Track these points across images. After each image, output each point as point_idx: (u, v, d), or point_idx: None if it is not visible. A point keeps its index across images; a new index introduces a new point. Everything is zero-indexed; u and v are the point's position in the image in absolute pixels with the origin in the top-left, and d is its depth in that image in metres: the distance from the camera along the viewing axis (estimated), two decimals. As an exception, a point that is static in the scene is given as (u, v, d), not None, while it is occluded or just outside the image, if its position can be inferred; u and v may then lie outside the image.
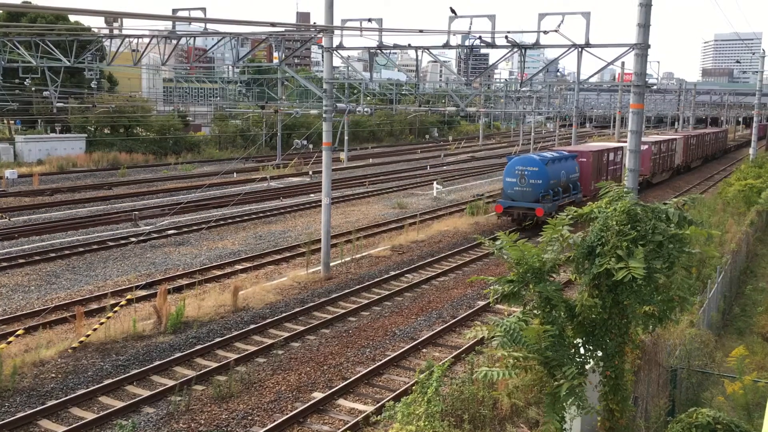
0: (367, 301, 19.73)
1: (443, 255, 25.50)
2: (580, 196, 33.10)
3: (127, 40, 28.12)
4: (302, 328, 17.33)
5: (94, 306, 18.51)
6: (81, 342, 15.57)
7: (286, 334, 16.84)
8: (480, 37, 21.86)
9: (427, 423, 8.14)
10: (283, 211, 34.27)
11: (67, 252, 24.44)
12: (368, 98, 75.98)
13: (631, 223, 8.09)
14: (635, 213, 8.19)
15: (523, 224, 29.46)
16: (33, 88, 46.87)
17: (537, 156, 31.27)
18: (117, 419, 12.20)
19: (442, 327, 17.65)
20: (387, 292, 20.67)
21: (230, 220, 31.15)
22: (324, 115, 22.38)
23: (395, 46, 24.41)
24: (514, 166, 30.50)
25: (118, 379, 14.02)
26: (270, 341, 16.34)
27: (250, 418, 12.78)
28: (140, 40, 27.81)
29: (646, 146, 40.75)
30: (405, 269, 23.35)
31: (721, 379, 11.70)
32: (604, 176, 35.80)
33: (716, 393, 11.57)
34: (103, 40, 36.20)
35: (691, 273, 8.72)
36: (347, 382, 14.15)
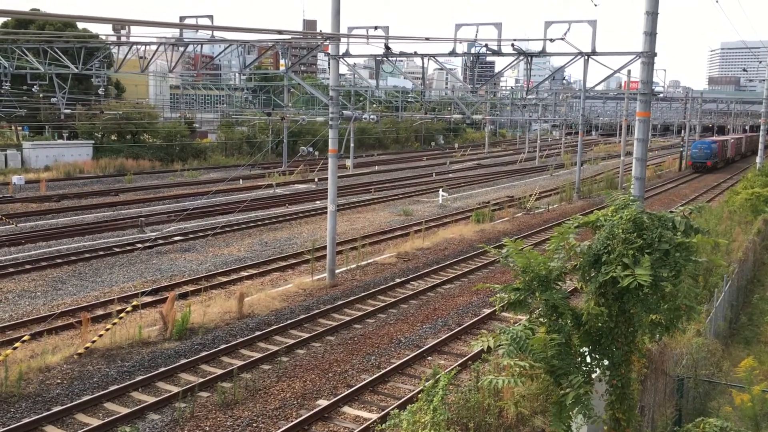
0: (372, 309, 19.70)
1: (449, 262, 25.47)
2: (717, 160, 65.63)
3: (134, 47, 28.35)
4: (307, 335, 17.32)
5: (100, 312, 18.57)
6: (87, 348, 15.60)
7: (291, 341, 16.84)
8: (486, 45, 21.86)
9: (432, 431, 8.10)
10: (288, 217, 34.31)
11: (73, 258, 24.51)
12: (374, 105, 75.98)
13: (638, 232, 8.04)
14: (641, 221, 8.14)
15: (700, 169, 63.23)
16: (41, 95, 47.08)
17: (708, 140, 67.59)
18: (122, 425, 12.23)
19: (447, 335, 17.61)
20: (392, 300, 20.64)
21: (236, 227, 31.20)
22: (330, 122, 22.44)
23: (401, 54, 24.42)
24: (697, 145, 65.50)
25: (123, 385, 14.03)
26: (275, 348, 16.34)
27: (254, 425, 12.76)
28: (147, 47, 27.95)
29: (733, 140, 76.35)
30: (410, 276, 23.33)
31: (729, 389, 11.62)
32: (724, 153, 69.32)
33: (723, 403, 11.50)
34: (111, 47, 36.44)
35: (698, 282, 8.68)
36: (352, 389, 14.12)
